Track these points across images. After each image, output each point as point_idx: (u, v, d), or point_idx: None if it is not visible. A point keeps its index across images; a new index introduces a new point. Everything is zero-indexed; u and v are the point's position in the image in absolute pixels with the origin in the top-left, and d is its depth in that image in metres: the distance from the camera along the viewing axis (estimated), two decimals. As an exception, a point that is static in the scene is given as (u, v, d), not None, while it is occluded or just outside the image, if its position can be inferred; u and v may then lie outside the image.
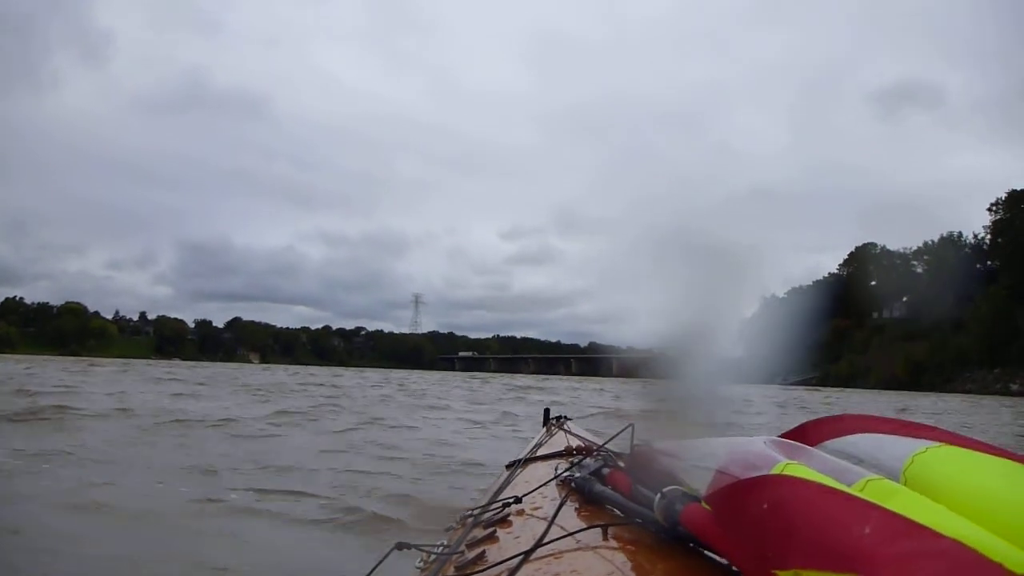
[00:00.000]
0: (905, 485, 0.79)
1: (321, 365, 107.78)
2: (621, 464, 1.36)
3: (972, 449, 0.83)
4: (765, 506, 0.74)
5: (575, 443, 1.99)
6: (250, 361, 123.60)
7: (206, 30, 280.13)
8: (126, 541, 3.78)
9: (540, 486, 1.44)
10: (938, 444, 0.85)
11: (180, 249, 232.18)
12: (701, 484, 0.95)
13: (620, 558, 0.97)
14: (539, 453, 2.05)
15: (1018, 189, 72.08)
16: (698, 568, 0.90)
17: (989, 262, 73.87)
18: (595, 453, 1.58)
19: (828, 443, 0.96)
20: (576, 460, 1.56)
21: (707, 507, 0.88)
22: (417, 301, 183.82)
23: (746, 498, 0.78)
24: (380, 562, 1.14)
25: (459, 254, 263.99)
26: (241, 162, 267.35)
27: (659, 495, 0.96)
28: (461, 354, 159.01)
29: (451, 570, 1.11)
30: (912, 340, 67.56)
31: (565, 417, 2.67)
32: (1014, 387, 59.26)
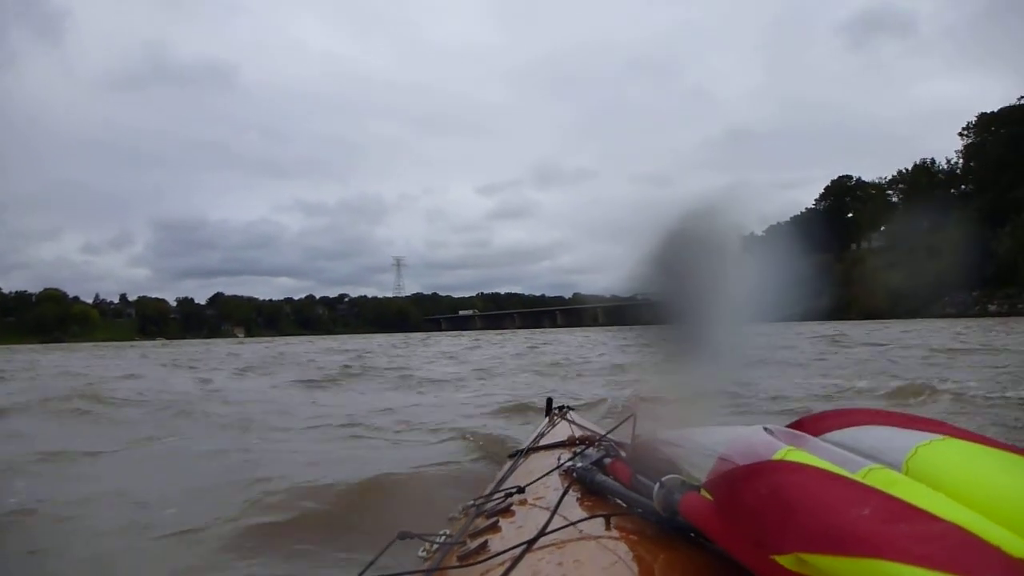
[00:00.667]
0: (907, 476, 0.79)
1: (306, 335, 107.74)
2: (622, 454, 1.35)
3: (977, 443, 0.82)
4: (764, 492, 0.74)
5: (578, 433, 2.00)
6: (235, 335, 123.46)
7: (166, 1, 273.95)
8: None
9: (542, 476, 1.45)
10: (942, 437, 0.84)
11: (156, 228, 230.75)
12: (702, 473, 0.95)
13: (621, 548, 0.97)
14: (542, 443, 2.06)
15: (988, 112, 72.50)
16: (698, 558, 0.90)
17: (963, 186, 74.46)
18: (597, 443, 1.58)
19: (830, 435, 0.96)
20: (578, 450, 1.57)
21: (706, 495, 0.88)
22: (399, 264, 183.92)
23: (746, 484, 0.78)
24: (382, 552, 1.14)
25: (438, 214, 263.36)
26: (211, 135, 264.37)
27: (658, 484, 0.96)
28: (461, 312, 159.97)
29: (454, 560, 1.10)
30: (891, 269, 68.36)
31: (568, 407, 2.67)
32: (992, 308, 60.20)
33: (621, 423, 1.51)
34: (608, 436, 1.61)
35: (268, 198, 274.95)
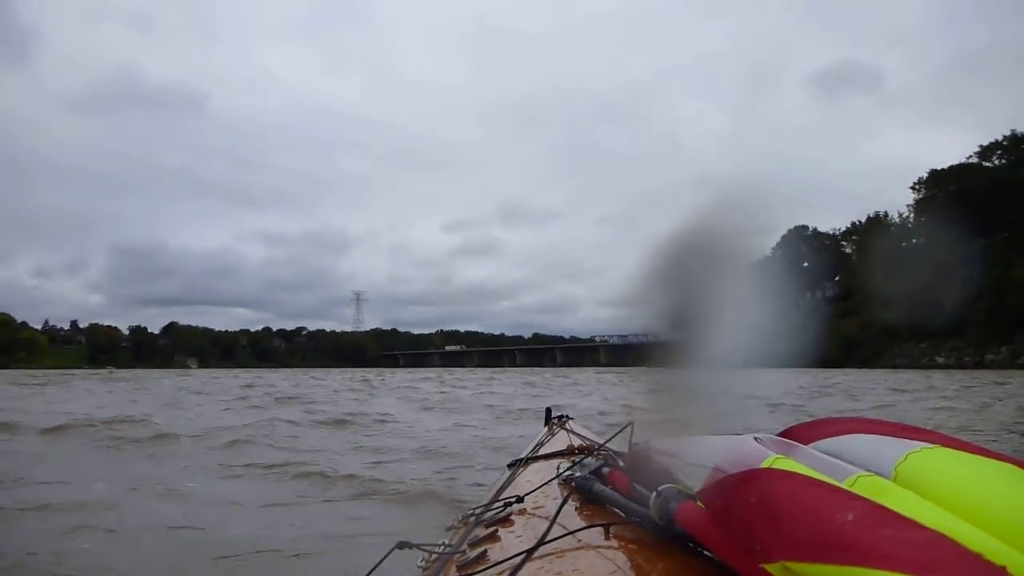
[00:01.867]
0: (896, 483, 0.79)
1: (262, 367, 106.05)
2: (620, 463, 1.36)
3: (966, 451, 0.83)
4: (753, 500, 0.74)
5: (576, 442, 2.01)
6: (188, 367, 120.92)
7: (138, 25, 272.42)
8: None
9: (541, 485, 1.45)
10: (932, 446, 0.84)
11: (112, 254, 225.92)
12: (697, 481, 0.95)
13: (620, 557, 0.97)
14: (540, 452, 2.06)
15: (939, 168, 74.97)
16: (695, 567, 0.89)
17: (914, 240, 76.61)
18: (595, 453, 1.58)
19: (820, 443, 0.95)
20: (577, 459, 1.56)
21: (701, 504, 0.88)
22: (359, 298, 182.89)
23: (735, 492, 0.78)
24: (381, 561, 1.14)
25: (401, 249, 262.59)
26: (177, 161, 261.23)
27: (655, 494, 0.96)
28: (448, 348, 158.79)
29: (453, 569, 1.11)
30: (844, 318, 69.82)
31: (567, 416, 2.67)
32: (940, 359, 61.70)
33: (618, 432, 1.50)
34: (606, 445, 1.61)
35: (231, 227, 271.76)
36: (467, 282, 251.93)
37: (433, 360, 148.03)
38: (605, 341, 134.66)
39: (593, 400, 15.32)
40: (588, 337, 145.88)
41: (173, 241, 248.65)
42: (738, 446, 0.94)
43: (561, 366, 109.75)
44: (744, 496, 0.76)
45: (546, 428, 2.60)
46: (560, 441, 2.16)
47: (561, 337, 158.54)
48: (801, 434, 1.00)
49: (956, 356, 61.58)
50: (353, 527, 4.13)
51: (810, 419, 1.05)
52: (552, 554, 1.00)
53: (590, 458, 1.50)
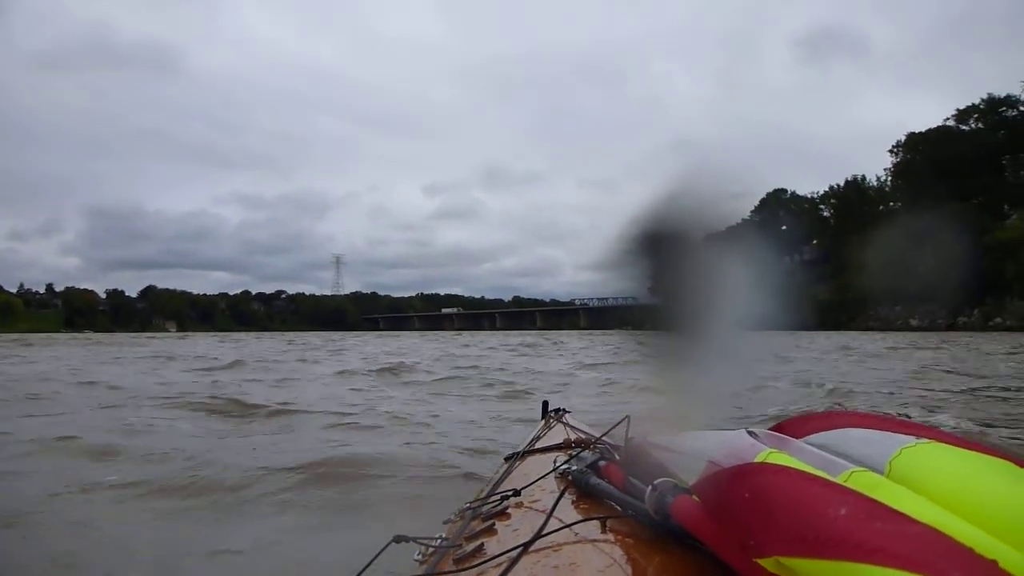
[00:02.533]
0: (889, 478, 0.79)
1: (242, 331, 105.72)
2: (616, 457, 1.36)
3: (960, 447, 0.83)
4: (746, 494, 0.74)
5: (573, 436, 2.01)
6: (166, 330, 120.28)
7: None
8: None
9: (539, 479, 1.44)
10: (926, 440, 0.85)
11: (88, 216, 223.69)
12: (692, 476, 0.95)
13: (616, 551, 0.98)
14: (537, 446, 2.06)
15: (916, 132, 75.31)
16: (690, 561, 0.89)
17: (891, 203, 77.19)
18: (592, 446, 1.58)
19: (813, 437, 0.97)
20: (574, 453, 1.57)
21: (696, 499, 0.88)
22: (338, 262, 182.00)
23: (728, 487, 0.78)
24: (377, 555, 1.15)
25: (381, 212, 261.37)
26: (152, 122, 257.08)
27: (650, 488, 0.96)
28: (444, 310, 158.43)
29: (449, 563, 1.10)
30: (821, 282, 70.49)
31: (564, 410, 2.65)
32: (913, 322, 62.60)
33: (615, 426, 1.50)
34: (602, 439, 1.60)
35: (208, 190, 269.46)
36: (447, 245, 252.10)
37: (412, 323, 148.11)
38: (585, 304, 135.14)
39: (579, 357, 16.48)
40: (568, 300, 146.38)
41: (149, 203, 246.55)
42: (732, 440, 0.94)
43: (541, 329, 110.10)
44: (738, 490, 0.76)
45: (543, 421, 2.60)
46: (557, 435, 2.16)
47: (541, 300, 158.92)
48: (794, 428, 1.00)
49: (930, 319, 62.45)
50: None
51: (802, 413, 1.06)
52: (548, 547, 1.00)
53: (586, 452, 1.51)
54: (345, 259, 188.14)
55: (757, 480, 0.75)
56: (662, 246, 1.00)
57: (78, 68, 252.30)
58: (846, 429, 0.95)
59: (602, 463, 1.32)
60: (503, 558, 1.00)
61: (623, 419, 1.44)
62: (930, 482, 0.76)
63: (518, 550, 0.98)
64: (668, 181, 0.98)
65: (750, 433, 0.96)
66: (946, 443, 0.84)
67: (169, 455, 4.66)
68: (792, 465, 0.80)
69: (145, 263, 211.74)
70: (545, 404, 2.82)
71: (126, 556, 2.93)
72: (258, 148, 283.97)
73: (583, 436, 1.97)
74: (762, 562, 0.68)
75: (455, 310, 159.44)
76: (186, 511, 3.50)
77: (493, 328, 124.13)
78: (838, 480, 0.77)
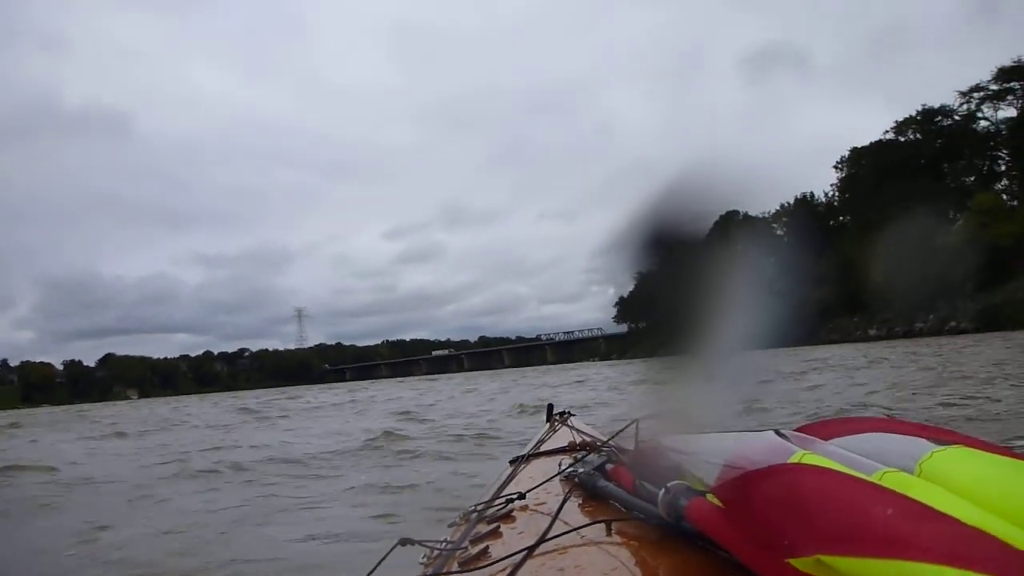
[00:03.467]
0: (921, 479, 0.79)
1: (204, 392, 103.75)
2: (625, 459, 1.33)
3: (991, 452, 0.82)
4: (781, 494, 0.74)
5: (579, 438, 2.00)
6: (128, 398, 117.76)
7: (52, 46, 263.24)
8: None
9: (544, 482, 1.44)
10: (956, 445, 0.84)
11: (42, 287, 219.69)
12: (707, 478, 0.95)
13: (624, 553, 0.97)
14: (543, 449, 2.06)
15: (859, 146, 76.98)
16: (701, 562, 0.89)
17: (841, 217, 78.55)
18: (599, 449, 1.58)
19: (840, 439, 0.95)
20: (580, 455, 1.56)
21: (714, 501, 0.87)
22: (300, 315, 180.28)
23: (760, 487, 0.77)
24: (383, 558, 1.14)
25: (343, 261, 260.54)
26: (104, 186, 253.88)
27: (663, 490, 0.95)
28: (435, 353, 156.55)
29: (454, 566, 1.10)
30: (778, 299, 71.00)
31: (569, 412, 2.67)
32: (872, 332, 63.28)
33: (623, 429, 1.48)
34: (609, 443, 1.60)
35: (165, 251, 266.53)
36: (411, 289, 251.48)
37: (380, 371, 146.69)
38: (551, 339, 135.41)
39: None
40: (534, 336, 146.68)
41: (106, 269, 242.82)
42: (758, 442, 0.93)
43: (510, 367, 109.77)
44: (771, 491, 0.75)
45: (548, 424, 2.60)
46: (562, 437, 2.16)
47: (508, 338, 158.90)
48: (821, 431, 0.99)
49: (887, 327, 63.23)
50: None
51: (827, 418, 1.07)
52: (555, 550, 1.00)
53: (592, 454, 1.51)
54: (308, 311, 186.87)
55: (794, 480, 0.75)
56: (665, 242, 1.00)
57: (23, 136, 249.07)
58: (873, 433, 0.95)
59: (609, 466, 1.31)
60: (508, 561, 1.00)
61: (631, 423, 1.41)
62: (962, 484, 0.75)
63: (523, 553, 0.99)
64: (666, 180, 0.98)
65: (779, 435, 0.95)
66: (976, 448, 0.83)
67: None
68: (827, 466, 0.80)
69: (103, 331, 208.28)
70: (550, 407, 2.82)
71: None
72: (214, 205, 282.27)
73: (588, 439, 1.97)
74: (796, 562, 0.68)
75: (447, 351, 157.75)
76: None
77: (461, 369, 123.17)
78: (872, 479, 0.77)
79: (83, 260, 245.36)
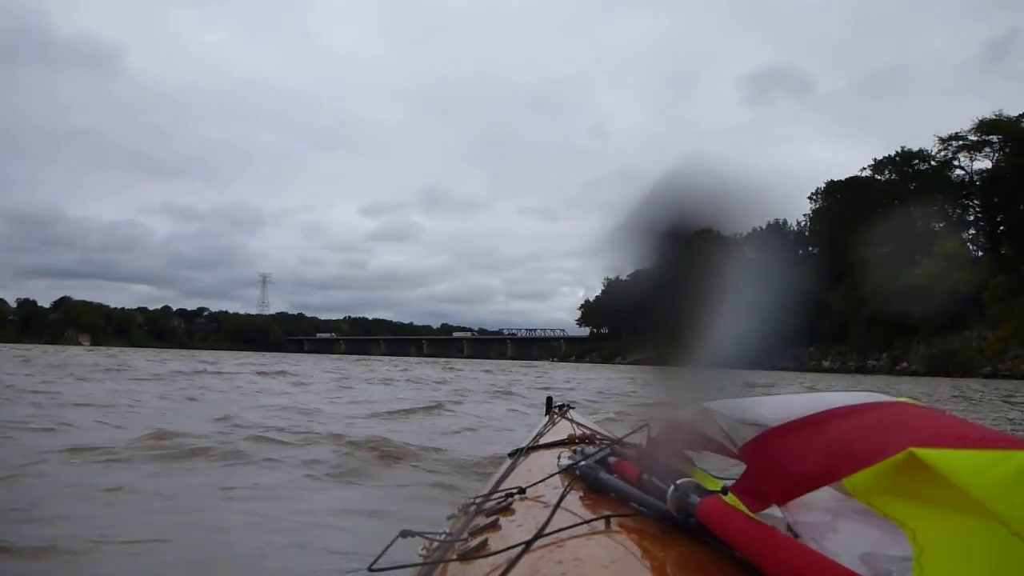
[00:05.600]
0: None
1: (158, 348, 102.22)
2: (629, 453, 1.31)
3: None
4: (865, 423, 0.80)
5: (579, 432, 2.00)
6: (79, 343, 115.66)
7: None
8: None
9: (547, 477, 1.43)
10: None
11: (4, 219, 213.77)
12: (720, 464, 0.98)
13: (623, 546, 0.96)
14: (542, 442, 2.06)
15: (835, 180, 77.78)
16: (702, 555, 0.89)
17: (811, 248, 79.36)
18: (599, 442, 1.59)
19: None
20: (580, 448, 1.56)
21: (732, 501, 0.89)
22: (265, 280, 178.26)
23: (842, 420, 0.84)
24: (385, 550, 1.14)
25: (317, 231, 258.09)
26: (85, 123, 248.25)
27: (672, 487, 0.96)
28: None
29: (453, 557, 1.11)
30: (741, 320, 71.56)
31: (568, 405, 2.68)
32: (826, 364, 64.01)
33: (633, 432, 1.42)
34: (609, 435, 1.59)
35: (137, 198, 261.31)
36: (382, 268, 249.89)
37: (339, 347, 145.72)
38: (513, 334, 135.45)
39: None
40: (496, 329, 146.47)
41: (73, 209, 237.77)
42: (816, 397, 0.97)
43: (468, 357, 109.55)
44: (855, 420, 0.81)
45: (547, 417, 2.58)
46: (562, 430, 2.16)
47: (470, 328, 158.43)
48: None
49: (841, 361, 63.99)
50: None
51: None
52: (554, 543, 1.00)
53: (594, 447, 1.52)
54: (273, 278, 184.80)
55: (884, 409, 0.81)
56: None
57: (8, 60, 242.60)
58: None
59: (612, 459, 1.31)
60: (507, 553, 0.99)
61: (642, 425, 1.37)
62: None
63: (522, 545, 0.98)
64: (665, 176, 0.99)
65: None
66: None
67: None
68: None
69: (63, 272, 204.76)
70: (549, 400, 2.84)
71: None
72: (194, 157, 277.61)
73: (588, 432, 1.96)
74: (866, 473, 0.74)
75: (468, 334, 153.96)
76: None
77: (420, 355, 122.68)
78: None
79: (51, 196, 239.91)
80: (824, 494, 0.89)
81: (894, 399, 0.92)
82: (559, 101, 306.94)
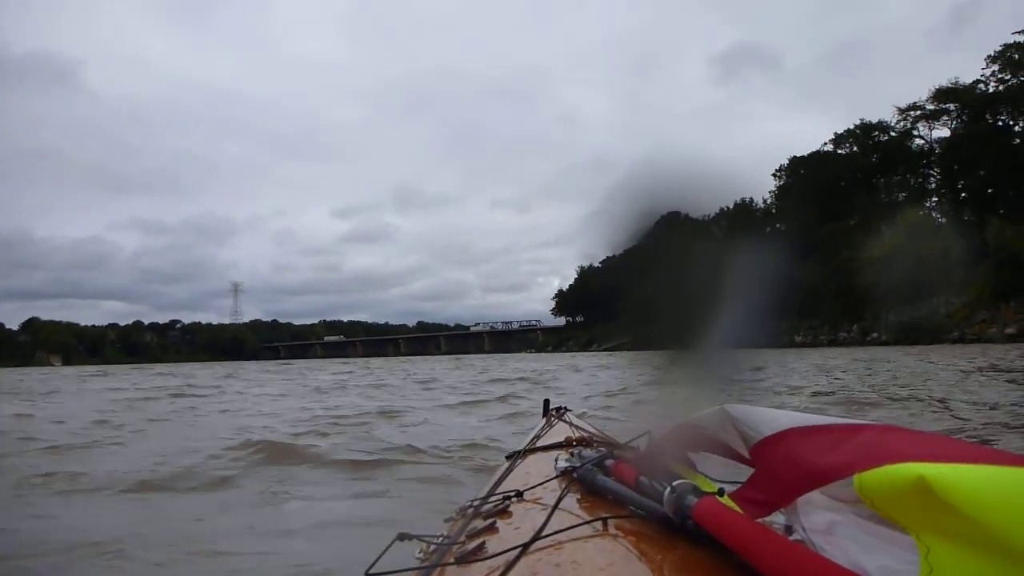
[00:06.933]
0: None
1: (132, 364, 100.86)
2: (626, 455, 1.32)
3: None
4: (863, 438, 0.82)
5: (576, 434, 1.96)
6: (51, 364, 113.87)
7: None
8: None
9: (545, 481, 1.43)
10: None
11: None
12: (741, 447, 1.00)
13: (621, 549, 0.97)
14: (539, 444, 2.06)
15: (799, 156, 78.20)
16: (699, 557, 0.89)
17: (777, 224, 79.82)
18: (597, 444, 1.60)
19: None
20: (577, 451, 1.55)
21: (727, 502, 0.90)
22: (236, 289, 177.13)
23: (840, 433, 0.86)
24: (383, 553, 1.14)
25: (288, 237, 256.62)
26: (45, 141, 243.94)
27: (669, 488, 0.96)
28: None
29: (451, 560, 1.10)
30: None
31: (565, 408, 2.68)
32: (798, 339, 64.39)
33: (633, 440, 1.40)
34: (607, 436, 1.61)
35: (103, 215, 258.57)
36: (357, 270, 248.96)
37: (315, 351, 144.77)
38: (492, 328, 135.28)
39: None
40: (472, 324, 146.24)
41: (38, 229, 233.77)
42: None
43: (446, 353, 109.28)
44: (856, 436, 0.83)
45: (544, 420, 2.60)
46: (558, 433, 2.15)
47: (446, 325, 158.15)
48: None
49: (812, 335, 64.40)
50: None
51: None
52: (551, 546, 1.00)
53: (591, 450, 1.53)
54: (246, 286, 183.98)
55: (890, 430, 0.84)
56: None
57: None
58: None
59: (609, 461, 1.30)
60: (505, 556, 1.00)
61: (643, 434, 1.36)
62: None
63: (520, 548, 0.99)
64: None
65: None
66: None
67: None
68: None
69: (30, 293, 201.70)
70: (546, 402, 2.82)
71: None
72: (160, 170, 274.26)
73: (586, 434, 1.95)
74: (875, 472, 0.74)
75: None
76: None
77: (397, 354, 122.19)
78: None
79: (14, 217, 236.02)
80: (822, 497, 0.89)
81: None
82: (525, 91, 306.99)
